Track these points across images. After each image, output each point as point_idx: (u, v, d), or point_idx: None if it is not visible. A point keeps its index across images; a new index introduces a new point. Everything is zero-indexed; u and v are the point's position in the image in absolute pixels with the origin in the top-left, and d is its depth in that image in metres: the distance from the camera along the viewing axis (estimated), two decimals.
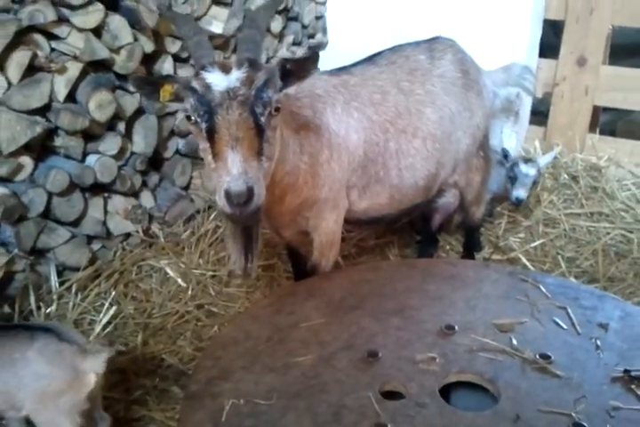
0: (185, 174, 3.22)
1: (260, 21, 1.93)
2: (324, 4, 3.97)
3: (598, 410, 1.65)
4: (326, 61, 4.04)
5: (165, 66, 2.83)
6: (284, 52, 3.67)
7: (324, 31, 4.06)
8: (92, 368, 1.83)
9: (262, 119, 1.78)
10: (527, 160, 3.19)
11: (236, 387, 1.73)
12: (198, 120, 1.78)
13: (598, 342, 1.91)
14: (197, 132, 1.82)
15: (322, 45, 4.13)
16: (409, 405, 1.67)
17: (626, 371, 1.78)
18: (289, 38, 3.73)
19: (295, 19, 3.77)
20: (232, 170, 1.71)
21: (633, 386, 1.73)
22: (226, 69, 1.78)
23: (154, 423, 2.25)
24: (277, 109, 1.84)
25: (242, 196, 1.70)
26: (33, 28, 2.25)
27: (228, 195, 1.70)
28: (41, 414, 1.82)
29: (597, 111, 3.98)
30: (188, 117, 1.81)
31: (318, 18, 3.97)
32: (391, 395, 1.73)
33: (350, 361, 1.84)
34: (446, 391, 1.81)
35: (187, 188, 3.29)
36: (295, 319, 2.03)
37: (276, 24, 3.51)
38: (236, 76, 1.76)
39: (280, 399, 1.68)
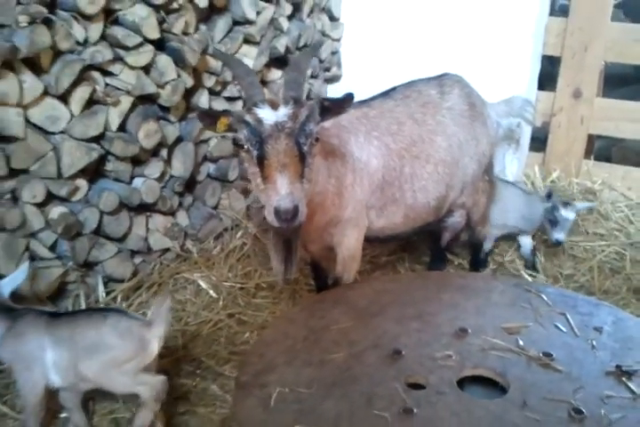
0: (215, 196, 3.45)
1: (302, 65, 2.22)
2: (339, 40, 4.24)
3: (594, 398, 1.87)
4: (341, 92, 4.33)
5: (202, 99, 3.09)
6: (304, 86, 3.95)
7: (339, 65, 4.32)
8: (155, 336, 2.10)
9: (305, 148, 2.05)
10: (566, 204, 3.21)
11: (280, 378, 1.95)
12: (250, 148, 2.04)
13: (594, 343, 2.13)
14: (249, 159, 2.08)
15: (336, 78, 4.40)
16: (431, 393, 1.89)
17: (618, 366, 2.00)
18: (308, 72, 4.01)
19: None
20: (281, 191, 1.97)
21: (624, 379, 1.95)
22: (274, 106, 2.05)
23: (197, 417, 2.46)
24: (317, 140, 2.12)
25: (289, 212, 1.96)
26: (92, 67, 2.52)
27: (277, 212, 1.96)
28: (112, 382, 2.08)
29: (592, 139, 4.21)
30: (241, 146, 2.07)
31: (334, 53, 4.22)
32: (415, 386, 1.94)
33: (378, 358, 2.05)
34: (462, 385, 2.02)
35: (216, 207, 3.51)
36: (326, 323, 2.25)
37: None
38: (284, 112, 2.04)
39: (319, 388, 1.90)
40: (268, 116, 2.04)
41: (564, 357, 2.06)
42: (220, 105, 3.24)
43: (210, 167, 3.40)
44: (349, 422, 1.78)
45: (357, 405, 1.84)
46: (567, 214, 3.17)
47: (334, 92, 4.42)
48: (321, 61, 4.14)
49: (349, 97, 2.15)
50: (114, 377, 2.10)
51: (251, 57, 3.25)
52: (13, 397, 2.45)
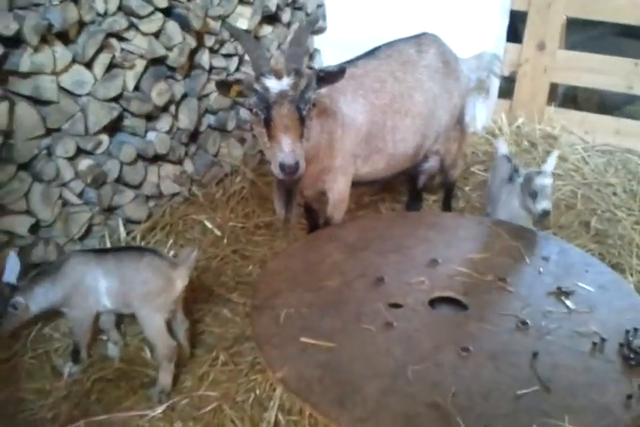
0: (215, 145, 3.74)
1: (301, 40, 2.51)
2: None
3: (537, 313, 2.27)
4: (326, 42, 4.61)
5: (204, 57, 3.36)
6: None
7: (324, 17, 4.53)
8: (179, 277, 2.47)
9: (304, 112, 2.39)
10: (537, 172, 2.89)
11: (285, 301, 2.32)
12: (259, 112, 2.38)
13: (541, 269, 2.51)
14: (257, 121, 2.42)
15: (321, 30, 4.63)
16: (407, 311, 2.28)
17: (558, 288, 2.39)
18: (295, 26, 4.23)
19: (300, 8, 4.23)
20: (285, 148, 2.32)
21: (562, 297, 2.34)
22: (279, 76, 2.37)
23: (212, 336, 2.85)
24: (314, 104, 2.45)
25: (292, 167, 2.32)
26: (110, 34, 2.78)
27: (282, 166, 2.33)
28: (143, 310, 2.45)
29: (554, 88, 4.53)
30: (250, 110, 2.41)
31: (319, 6, 4.43)
32: (394, 306, 2.30)
33: (364, 284, 2.42)
34: (432, 304, 2.37)
35: (216, 155, 3.79)
36: (321, 256, 2.60)
37: (286, 15, 4.01)
38: (287, 81, 2.36)
39: (318, 309, 2.28)
40: (273, 85, 2.36)
41: (516, 280, 2.45)
42: (218, 62, 3.50)
43: (210, 119, 3.67)
44: (342, 334, 2.16)
45: (348, 321, 2.23)
46: (543, 181, 2.85)
47: (320, 42, 4.67)
48: (307, 15, 4.35)
49: (342, 70, 2.47)
50: (150, 314, 2.45)
51: (245, 17, 3.49)
52: (59, 321, 2.85)
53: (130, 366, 2.70)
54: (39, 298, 2.38)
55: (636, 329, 2.18)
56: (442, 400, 1.89)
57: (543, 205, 2.81)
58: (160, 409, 2.45)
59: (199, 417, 2.42)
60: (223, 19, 3.37)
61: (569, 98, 5.00)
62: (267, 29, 3.88)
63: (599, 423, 1.86)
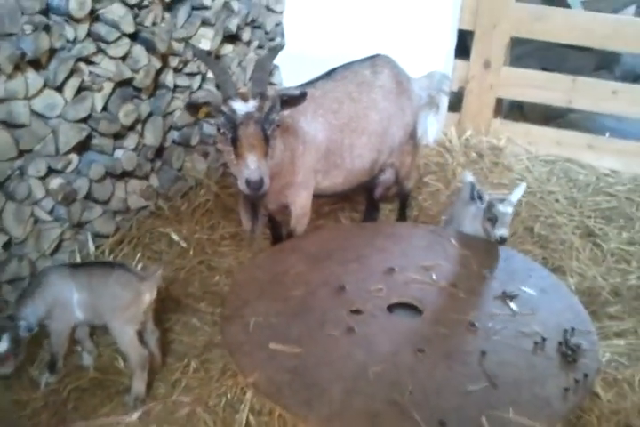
0: (180, 159, 3.85)
1: (265, 66, 2.68)
2: (281, 13, 4.62)
3: (485, 315, 2.46)
4: (284, 59, 4.79)
5: (168, 77, 3.48)
6: (252, 56, 4.34)
7: (282, 35, 4.69)
8: (148, 290, 2.58)
9: (268, 132, 2.55)
10: (501, 200, 2.97)
11: (254, 311, 2.46)
12: (226, 132, 2.53)
13: (487, 275, 2.74)
14: (224, 140, 2.58)
15: (280, 46, 4.78)
16: (367, 317, 2.44)
17: (503, 292, 2.59)
18: (255, 43, 4.35)
19: (259, 27, 4.37)
20: (250, 165, 2.48)
21: (507, 301, 2.54)
22: (245, 99, 2.52)
23: (182, 345, 2.97)
24: (278, 125, 2.62)
25: (257, 183, 2.49)
26: (79, 59, 2.88)
27: (248, 182, 2.49)
28: (114, 322, 2.56)
29: (500, 102, 4.77)
30: (219, 130, 2.56)
31: (277, 25, 4.57)
32: (356, 312, 2.47)
33: (327, 292, 2.57)
34: (391, 310, 2.54)
35: (180, 169, 3.91)
36: (286, 267, 2.74)
37: (246, 34, 4.15)
38: (252, 104, 2.52)
39: (284, 317, 2.43)
40: (240, 107, 2.52)
41: (465, 286, 2.64)
42: (182, 81, 3.63)
43: (174, 134, 3.78)
44: (308, 340, 2.32)
45: (313, 327, 2.39)
46: (505, 209, 2.91)
47: (278, 59, 4.83)
48: (266, 33, 4.49)
49: (303, 94, 2.64)
50: (121, 327, 2.55)
51: (208, 38, 3.63)
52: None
53: (104, 375, 2.79)
54: (30, 318, 2.50)
55: (573, 329, 2.40)
56: (400, 398, 2.07)
57: (501, 231, 2.88)
58: (136, 415, 2.56)
59: (174, 421, 2.54)
60: (186, 40, 3.51)
61: (516, 107, 5.30)
62: (228, 48, 4.02)
63: (540, 414, 2.06)
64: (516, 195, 3.01)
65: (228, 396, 2.61)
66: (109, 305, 2.56)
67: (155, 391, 2.71)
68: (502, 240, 2.89)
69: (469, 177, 3.43)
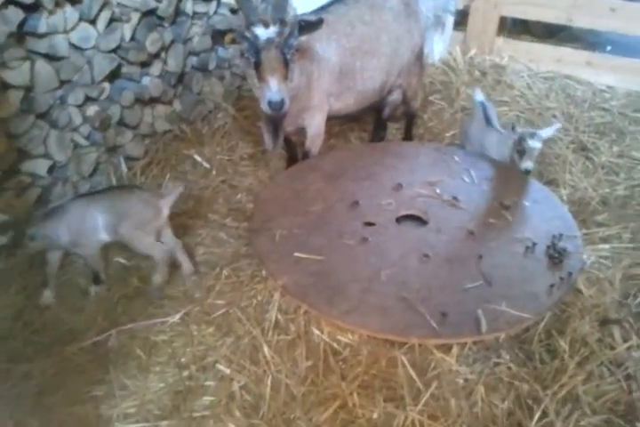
0: (199, 84, 4.00)
1: None
2: None
3: (482, 224, 2.76)
4: None
5: (187, 5, 3.60)
6: None
7: None
8: (165, 205, 2.83)
9: (288, 56, 2.73)
10: (532, 134, 3.10)
11: (278, 224, 2.76)
12: (249, 57, 2.72)
13: (485, 188, 3.01)
14: (247, 64, 2.77)
15: None
16: (379, 228, 2.74)
17: (500, 203, 2.90)
18: None
19: None
20: (272, 87, 2.69)
21: (502, 211, 2.84)
22: (266, 25, 2.69)
23: (214, 256, 3.20)
24: (297, 50, 2.79)
25: (279, 103, 2.70)
26: None
27: (269, 103, 2.71)
28: (137, 235, 2.80)
29: (503, 21, 4.85)
30: (242, 54, 2.75)
31: None
32: (369, 224, 2.77)
33: (343, 207, 2.86)
34: (399, 221, 2.85)
35: (199, 93, 4.07)
36: (305, 185, 3.03)
37: None
38: (273, 30, 2.69)
39: (306, 229, 2.73)
40: (261, 33, 2.70)
41: (466, 199, 2.92)
42: (199, 8, 3.74)
43: (193, 60, 3.91)
44: (328, 249, 2.63)
45: (332, 238, 2.69)
46: (534, 144, 3.07)
47: None
48: None
49: (320, 21, 2.79)
50: (140, 236, 2.79)
51: None
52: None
53: (145, 285, 3.08)
54: (50, 233, 2.70)
55: (560, 234, 2.69)
56: (408, 295, 2.39)
57: (527, 164, 3.06)
58: (178, 316, 2.89)
59: (211, 321, 2.83)
60: None
61: (520, 22, 5.34)
62: None
63: (529, 307, 2.39)
64: (547, 132, 3.15)
65: (258, 298, 2.91)
66: (134, 222, 2.77)
67: (192, 296, 3.02)
68: (527, 172, 3.08)
69: (480, 95, 3.59)
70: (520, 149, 3.09)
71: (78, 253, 2.87)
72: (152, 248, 2.87)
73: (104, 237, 2.82)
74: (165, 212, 2.87)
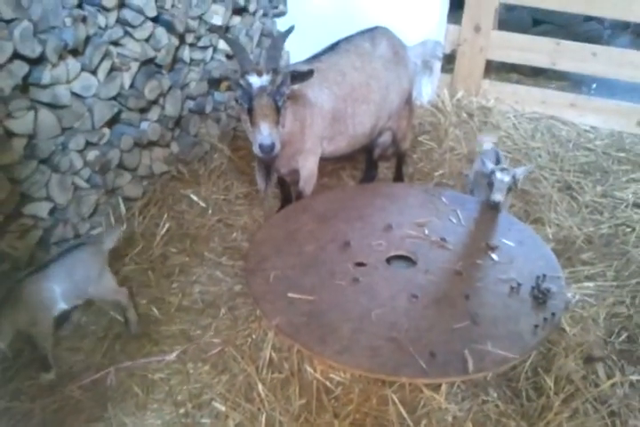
0: (195, 126, 4.13)
1: (279, 45, 2.99)
2: None
3: (469, 265, 2.81)
4: (285, 25, 5.02)
5: (185, 53, 3.76)
6: (257, 25, 4.58)
7: (285, 3, 4.92)
8: (107, 248, 2.91)
9: (280, 103, 2.88)
10: (502, 169, 3.22)
11: (273, 265, 2.81)
12: (243, 103, 2.87)
13: (472, 229, 3.07)
14: (241, 110, 2.93)
15: (282, 13, 4.99)
16: (370, 268, 2.80)
17: (486, 244, 2.95)
18: (260, 12, 4.57)
19: None
20: (263, 132, 2.82)
21: (489, 251, 2.91)
22: (259, 74, 2.84)
23: (210, 294, 3.30)
24: (288, 98, 2.94)
25: (269, 147, 2.85)
26: (109, 43, 3.17)
27: (261, 146, 2.85)
28: (101, 289, 2.85)
29: (489, 64, 5.02)
30: (236, 101, 2.90)
31: None
32: (360, 264, 2.82)
33: (335, 248, 2.92)
34: (389, 261, 2.90)
35: (196, 136, 4.20)
36: (298, 225, 3.08)
37: (252, 5, 4.37)
38: (266, 78, 2.84)
39: (299, 270, 2.78)
40: (255, 81, 2.84)
41: (454, 239, 2.98)
42: (196, 55, 3.90)
43: (190, 104, 4.07)
44: (320, 289, 2.68)
45: (324, 278, 2.75)
46: (502, 177, 3.17)
47: (281, 25, 5.05)
48: (270, 1, 4.72)
49: (310, 72, 2.94)
50: (106, 286, 2.86)
51: (219, 13, 3.87)
52: None
53: (144, 324, 3.13)
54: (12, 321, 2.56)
55: (544, 275, 2.76)
56: (397, 335, 2.46)
57: (495, 196, 3.17)
58: (174, 354, 2.97)
59: (207, 359, 2.92)
60: (200, 17, 3.76)
61: (507, 64, 5.53)
62: (236, 20, 4.25)
63: (514, 346, 2.44)
64: (520, 170, 3.28)
65: (253, 336, 3.00)
66: (94, 277, 2.80)
67: (189, 334, 3.10)
68: (495, 204, 3.18)
69: (488, 144, 3.68)
70: (489, 182, 3.22)
71: (31, 332, 2.69)
72: (117, 293, 2.95)
73: (62, 306, 2.75)
74: (106, 254, 2.92)
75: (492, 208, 3.21)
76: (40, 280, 2.65)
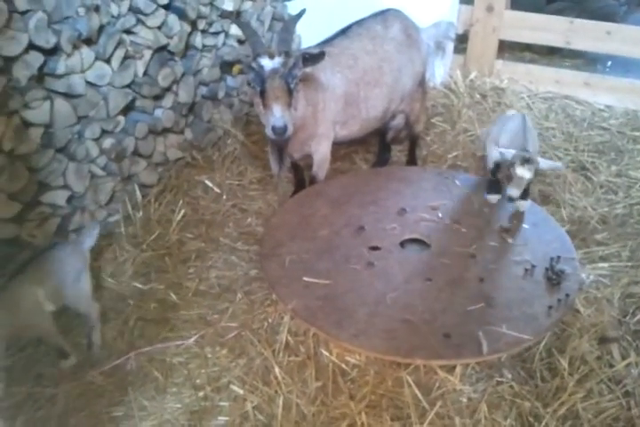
0: (208, 112, 4.14)
1: (290, 28, 2.99)
2: None
3: (483, 247, 2.84)
4: (297, 7, 4.96)
5: (197, 39, 3.76)
6: (268, 9, 4.56)
7: None
8: (86, 248, 2.83)
9: (292, 86, 2.89)
10: (525, 161, 2.83)
11: (288, 250, 2.86)
12: (255, 86, 2.88)
13: (485, 211, 3.10)
14: (254, 93, 2.94)
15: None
16: (384, 252, 2.84)
17: (500, 226, 3.00)
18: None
19: None
20: (275, 114, 2.84)
21: (502, 234, 2.95)
22: (271, 56, 2.85)
23: (226, 279, 3.35)
24: (300, 80, 2.95)
25: (281, 128, 2.86)
26: (122, 31, 3.18)
27: (273, 128, 2.86)
28: (78, 292, 2.74)
29: (502, 44, 4.97)
30: (249, 84, 2.92)
31: None
32: (374, 248, 2.86)
33: (349, 232, 2.96)
34: (403, 245, 2.94)
35: (209, 121, 4.20)
36: (312, 211, 3.13)
37: None
38: (277, 61, 2.85)
39: (314, 254, 2.83)
40: (267, 63, 2.86)
41: (467, 222, 3.00)
42: (208, 41, 3.90)
43: (203, 90, 4.07)
44: (335, 273, 2.72)
45: (339, 262, 2.79)
46: (522, 173, 2.84)
47: (292, 8, 5.02)
48: None
49: (322, 54, 2.94)
50: (82, 290, 2.73)
51: None
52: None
53: (163, 309, 3.17)
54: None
55: (558, 257, 2.78)
56: (412, 318, 2.49)
57: (511, 191, 2.89)
58: (193, 339, 3.01)
59: (224, 343, 2.94)
60: (212, 3, 3.76)
61: (521, 43, 5.46)
62: (247, 4, 4.23)
63: (528, 328, 2.46)
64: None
65: (269, 320, 3.03)
66: (66, 281, 2.66)
67: (207, 319, 3.13)
68: (510, 200, 2.93)
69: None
70: (508, 175, 2.92)
71: (34, 336, 2.69)
72: (89, 307, 2.82)
73: (50, 308, 2.64)
74: (87, 253, 2.83)
75: (508, 201, 2.96)
76: (23, 284, 2.51)
